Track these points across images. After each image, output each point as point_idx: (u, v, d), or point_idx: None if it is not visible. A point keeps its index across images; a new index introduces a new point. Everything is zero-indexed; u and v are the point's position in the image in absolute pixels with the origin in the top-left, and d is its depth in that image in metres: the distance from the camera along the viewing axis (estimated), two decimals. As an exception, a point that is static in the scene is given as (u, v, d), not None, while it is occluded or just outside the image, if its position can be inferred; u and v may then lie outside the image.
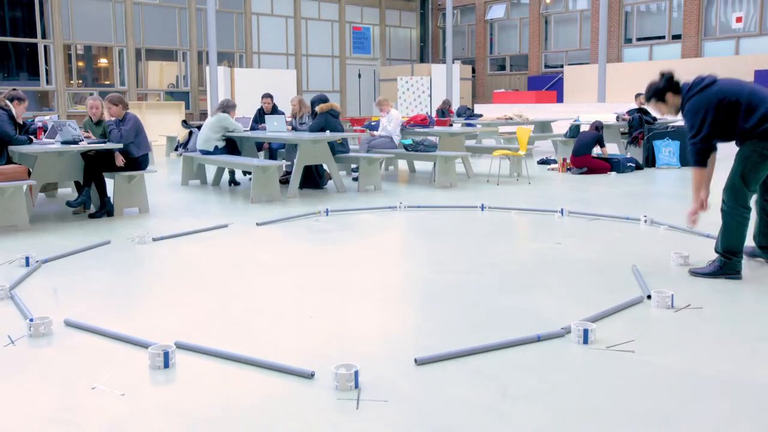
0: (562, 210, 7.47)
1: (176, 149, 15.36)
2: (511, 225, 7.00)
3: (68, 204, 7.57)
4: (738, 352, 3.37)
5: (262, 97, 11.40)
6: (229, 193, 9.51)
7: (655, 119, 12.79)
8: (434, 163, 10.26)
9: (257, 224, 7.00)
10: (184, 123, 16.38)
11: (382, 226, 7.01)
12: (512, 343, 3.49)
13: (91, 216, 7.60)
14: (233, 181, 10.50)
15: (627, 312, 4.00)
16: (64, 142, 7.41)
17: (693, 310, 4.02)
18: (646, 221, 6.82)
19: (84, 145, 7.44)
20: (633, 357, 3.30)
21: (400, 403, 2.83)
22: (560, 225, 6.88)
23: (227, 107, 10.11)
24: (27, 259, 5.33)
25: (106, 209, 7.64)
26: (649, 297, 4.21)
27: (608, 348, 3.42)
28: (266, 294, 4.49)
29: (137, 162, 7.85)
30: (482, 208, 7.92)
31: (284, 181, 9.67)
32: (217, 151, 9.86)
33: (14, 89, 7.77)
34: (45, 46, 22.67)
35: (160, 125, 19.49)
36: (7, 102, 7.51)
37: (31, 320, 3.72)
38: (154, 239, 6.28)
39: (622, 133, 13.03)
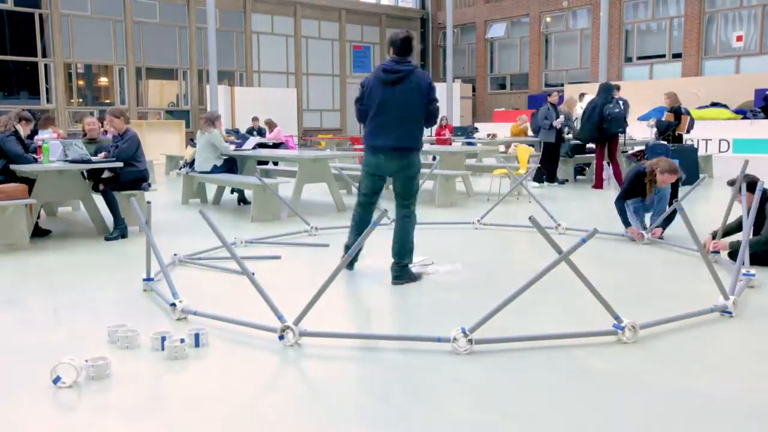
0: (557, 226, 7.46)
1: (181, 168, 15.26)
2: (509, 242, 6.96)
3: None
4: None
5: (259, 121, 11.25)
6: (231, 213, 9.46)
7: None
8: (434, 182, 10.23)
9: (246, 241, 6.95)
10: (192, 142, 16.32)
11: (373, 242, 6.95)
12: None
13: (107, 239, 7.39)
14: (242, 200, 10.33)
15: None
16: (72, 161, 7.43)
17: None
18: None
19: (91, 164, 7.47)
20: (630, 377, 3.26)
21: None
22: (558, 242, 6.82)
23: (214, 120, 10.05)
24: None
25: (118, 229, 7.47)
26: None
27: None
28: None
29: (135, 180, 7.81)
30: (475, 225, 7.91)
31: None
32: (215, 169, 9.81)
33: (23, 110, 8.03)
34: (45, 65, 22.78)
35: (161, 144, 19.48)
36: (14, 124, 7.60)
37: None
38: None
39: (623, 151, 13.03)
